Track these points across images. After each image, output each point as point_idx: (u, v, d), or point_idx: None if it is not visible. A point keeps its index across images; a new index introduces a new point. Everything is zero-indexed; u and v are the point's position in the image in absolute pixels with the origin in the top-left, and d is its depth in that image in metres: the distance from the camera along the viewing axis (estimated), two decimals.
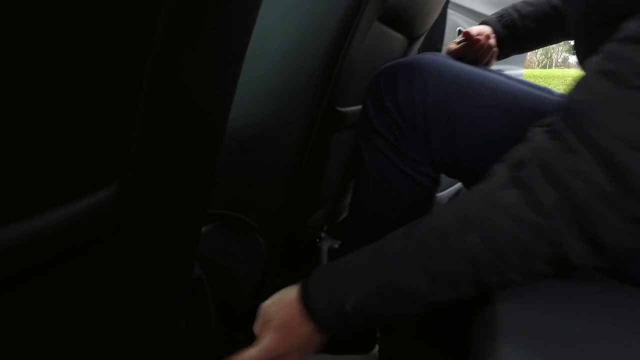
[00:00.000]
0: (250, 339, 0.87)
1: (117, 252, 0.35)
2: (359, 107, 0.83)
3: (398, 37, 0.89)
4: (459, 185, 1.56)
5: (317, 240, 1.26)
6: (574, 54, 0.66)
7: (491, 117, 0.64)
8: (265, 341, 0.56)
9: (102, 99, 0.27)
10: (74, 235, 0.30)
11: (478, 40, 0.82)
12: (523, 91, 0.67)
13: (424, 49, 1.31)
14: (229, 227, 0.73)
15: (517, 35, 0.90)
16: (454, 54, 0.85)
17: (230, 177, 0.68)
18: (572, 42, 0.68)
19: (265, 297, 0.81)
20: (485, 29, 0.86)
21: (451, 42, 0.88)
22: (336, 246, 1.28)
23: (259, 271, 0.74)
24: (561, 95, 0.70)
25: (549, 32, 0.91)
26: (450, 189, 1.55)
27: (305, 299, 0.54)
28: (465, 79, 0.67)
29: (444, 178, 0.75)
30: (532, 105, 0.64)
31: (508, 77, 0.72)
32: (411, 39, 0.96)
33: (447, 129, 0.66)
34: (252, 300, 0.78)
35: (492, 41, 0.86)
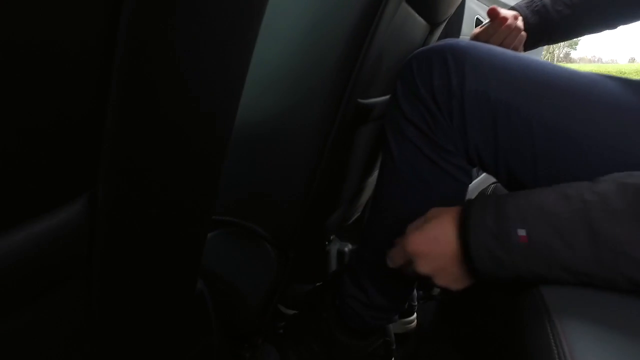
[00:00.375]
0: (256, 356, 0.80)
1: (91, 283, 0.26)
2: (381, 98, 0.75)
3: (421, 23, 0.80)
4: (484, 175, 1.47)
5: (326, 243, 1.18)
6: (575, 49, 0.58)
7: (545, 107, 0.56)
8: (412, 231, 0.55)
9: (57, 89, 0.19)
10: (29, 269, 0.22)
11: (505, 20, 0.75)
12: (590, 78, 0.58)
13: (443, 37, 1.23)
14: (234, 235, 0.64)
15: (548, 22, 0.84)
16: (478, 38, 0.79)
17: (237, 180, 0.60)
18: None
19: (276, 308, 0.74)
20: (513, 12, 0.79)
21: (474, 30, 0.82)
22: (346, 249, 1.21)
23: (266, 283, 0.66)
24: None
25: (585, 19, 0.84)
26: (477, 180, 1.46)
27: (464, 226, 0.49)
28: (509, 63, 0.59)
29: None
30: (608, 96, 0.55)
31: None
32: (432, 25, 0.87)
33: (488, 118, 0.58)
34: (259, 315, 0.70)
35: (520, 24, 0.79)
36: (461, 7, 1.32)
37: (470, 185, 0.68)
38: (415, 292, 1.12)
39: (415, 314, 1.03)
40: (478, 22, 1.42)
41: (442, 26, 1.00)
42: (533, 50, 0.91)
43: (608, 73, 0.62)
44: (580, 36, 0.93)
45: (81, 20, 0.19)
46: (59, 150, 0.21)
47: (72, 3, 0.18)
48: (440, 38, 1.22)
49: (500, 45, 0.76)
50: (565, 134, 0.55)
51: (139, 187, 0.25)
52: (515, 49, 0.81)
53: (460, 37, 1.33)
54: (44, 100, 0.19)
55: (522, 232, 0.44)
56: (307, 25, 0.55)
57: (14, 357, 0.24)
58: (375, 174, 0.86)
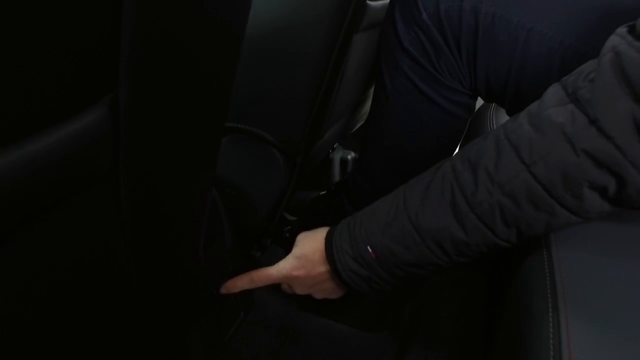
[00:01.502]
0: (265, 255, 0.85)
1: (119, 180, 0.28)
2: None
3: None
4: None
5: (330, 150, 1.20)
6: None
7: (574, 29, 0.51)
8: (283, 264, 0.56)
9: None
10: (58, 169, 0.23)
11: None
12: None
13: None
14: (243, 142, 0.65)
15: None
16: None
17: (246, 88, 0.59)
18: None
19: (282, 214, 0.77)
20: None
21: None
22: (349, 157, 1.23)
23: (275, 189, 0.69)
24: None
25: None
26: None
27: (329, 239, 0.53)
28: None
29: None
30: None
31: None
32: None
33: (507, 46, 0.53)
34: (267, 220, 0.74)
35: None
36: None
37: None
38: None
39: None
40: None
41: None
42: None
43: None
44: None
45: None
46: (81, 52, 0.21)
47: None
48: None
49: None
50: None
51: (157, 88, 0.26)
52: None
53: None
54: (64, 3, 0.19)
55: (369, 250, 0.48)
56: None
57: (54, 256, 0.27)
58: None
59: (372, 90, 0.99)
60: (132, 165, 0.27)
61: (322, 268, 0.54)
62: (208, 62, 0.30)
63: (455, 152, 0.50)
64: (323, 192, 0.93)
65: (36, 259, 0.25)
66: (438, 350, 0.72)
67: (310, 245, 0.55)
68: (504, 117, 0.94)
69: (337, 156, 1.23)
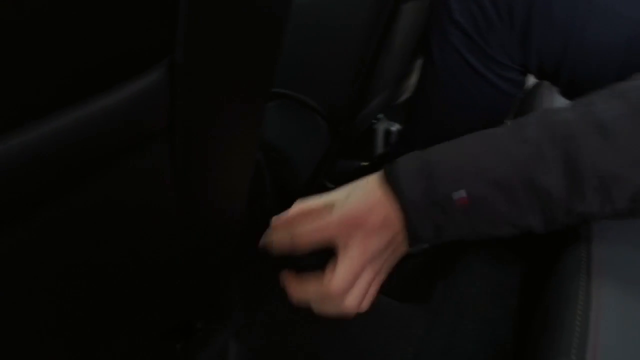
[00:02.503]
0: None
1: (175, 141, 0.31)
2: None
3: None
4: None
5: (374, 121, 1.20)
6: None
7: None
8: (349, 254, 0.40)
9: None
10: (125, 123, 0.26)
11: None
12: None
13: None
14: (288, 107, 0.67)
15: None
16: None
17: (292, 54, 0.61)
18: None
19: (322, 181, 0.79)
20: None
21: None
22: (393, 129, 1.22)
23: (317, 155, 0.71)
24: None
25: None
26: None
27: (394, 185, 0.40)
28: None
29: None
30: None
31: None
32: None
33: (565, 19, 0.51)
34: (309, 183, 0.76)
35: None
36: None
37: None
38: None
39: None
40: None
41: None
42: None
43: None
44: None
45: None
46: (141, 16, 0.24)
47: None
48: None
49: None
50: None
51: (211, 52, 0.28)
52: None
53: None
54: None
55: (460, 194, 0.38)
56: None
57: (107, 212, 0.30)
58: None
59: (419, 62, 0.97)
60: (187, 124, 0.30)
61: (394, 222, 0.40)
62: (258, 27, 0.31)
63: None
64: (365, 163, 0.95)
65: (91, 214, 0.28)
66: (466, 325, 0.73)
67: (361, 202, 0.41)
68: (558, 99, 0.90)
69: (381, 127, 1.23)
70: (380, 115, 1.21)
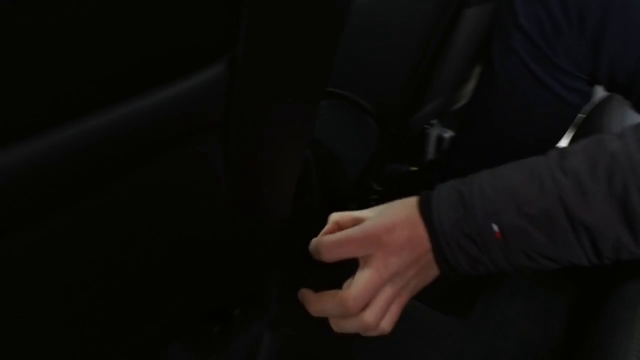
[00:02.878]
0: None
1: (229, 132, 0.32)
2: None
3: None
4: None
5: (427, 126, 1.18)
6: None
7: None
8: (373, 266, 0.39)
9: None
10: (185, 113, 0.27)
11: None
12: None
13: None
14: (340, 107, 0.68)
15: None
16: None
17: (346, 54, 0.61)
18: None
19: (370, 183, 0.79)
20: None
21: None
22: (446, 135, 1.20)
23: (366, 156, 0.70)
24: None
25: None
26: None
27: (426, 211, 0.39)
28: None
29: None
30: None
31: None
32: None
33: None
34: (356, 184, 0.76)
35: None
36: None
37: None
38: None
39: None
40: None
41: None
42: None
43: None
44: None
45: None
46: (206, 12, 0.25)
47: None
48: None
49: None
50: None
51: (270, 49, 0.29)
52: None
53: None
54: None
55: (495, 228, 0.36)
56: None
57: (159, 197, 0.31)
58: None
59: (477, 69, 0.95)
60: (242, 118, 0.31)
61: (425, 244, 0.39)
62: (319, 26, 0.32)
63: (560, 143, 0.46)
64: (414, 168, 0.93)
65: (146, 195, 0.30)
66: (505, 344, 0.71)
67: (397, 209, 0.41)
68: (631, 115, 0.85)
69: (433, 133, 1.21)
70: (434, 121, 1.19)
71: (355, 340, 0.71)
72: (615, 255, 0.35)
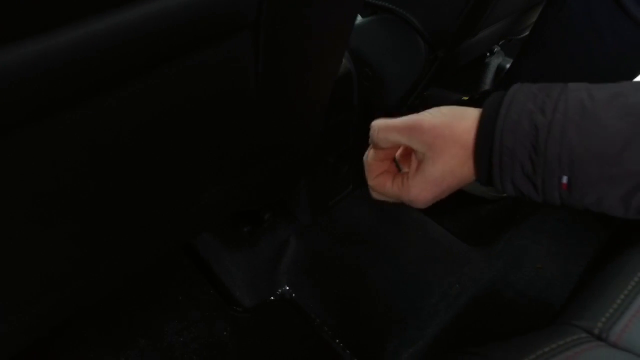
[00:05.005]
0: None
1: (258, 36, 0.32)
2: None
3: None
4: None
5: (487, 54, 1.12)
6: None
7: None
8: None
9: None
10: (213, 12, 0.28)
11: None
12: None
13: None
14: (390, 23, 0.65)
15: None
16: None
17: None
18: None
19: (414, 104, 0.77)
20: None
21: None
22: (507, 65, 1.13)
23: (413, 76, 0.69)
24: None
25: None
26: None
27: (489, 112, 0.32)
28: None
29: None
30: None
31: None
32: None
33: None
34: (398, 105, 0.75)
35: None
36: None
37: None
38: None
39: None
40: None
41: None
42: None
43: None
44: None
45: None
46: None
47: None
48: None
49: None
50: None
51: None
52: None
53: None
54: None
55: (564, 180, 0.30)
56: None
57: (209, 77, 0.32)
58: None
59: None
60: (272, 20, 0.31)
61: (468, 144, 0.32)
62: None
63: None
64: (465, 97, 0.90)
65: (180, 89, 0.31)
66: (519, 277, 0.72)
67: (451, 117, 0.34)
68: None
69: (494, 62, 1.14)
70: (497, 48, 1.12)
71: (374, 259, 0.74)
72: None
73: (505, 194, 0.80)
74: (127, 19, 0.23)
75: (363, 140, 0.53)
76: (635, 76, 0.59)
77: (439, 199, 0.36)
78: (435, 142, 0.33)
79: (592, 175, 0.29)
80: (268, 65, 0.35)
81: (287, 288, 0.71)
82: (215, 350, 0.66)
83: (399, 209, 0.81)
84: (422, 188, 0.34)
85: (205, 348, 0.66)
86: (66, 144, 0.26)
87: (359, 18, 0.70)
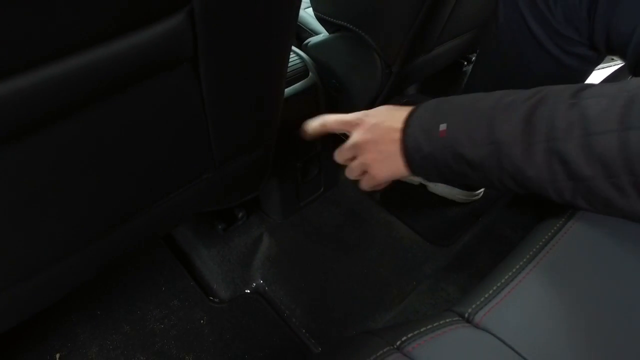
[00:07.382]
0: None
1: (198, 67, 0.38)
2: None
3: None
4: None
5: (465, 63, 1.17)
6: None
7: None
8: (354, 135, 0.55)
9: None
10: (155, 53, 0.34)
11: None
12: None
13: None
14: (350, 40, 0.71)
15: None
16: None
17: None
18: None
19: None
20: None
21: None
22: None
23: (372, 89, 0.75)
24: None
25: None
26: None
27: (408, 117, 0.49)
28: None
29: None
30: None
31: None
32: None
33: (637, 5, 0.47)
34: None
35: None
36: None
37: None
38: None
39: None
40: None
41: None
42: None
43: None
44: None
45: None
46: None
47: None
48: None
49: None
50: None
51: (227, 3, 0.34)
52: None
53: None
54: None
55: (443, 127, 0.45)
56: None
57: (151, 112, 0.39)
58: None
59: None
60: (208, 53, 0.37)
61: (393, 134, 0.50)
62: None
63: None
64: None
65: (134, 111, 0.37)
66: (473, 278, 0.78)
67: (384, 115, 0.52)
68: None
69: (469, 70, 1.19)
70: (474, 58, 1.17)
71: (340, 257, 0.80)
72: (516, 182, 0.42)
73: (475, 198, 0.90)
74: (79, 64, 0.29)
75: (331, 146, 0.60)
76: None
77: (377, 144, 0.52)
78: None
79: (459, 122, 0.44)
80: (211, 90, 0.41)
81: (261, 282, 0.78)
82: (192, 336, 0.72)
83: (368, 210, 0.87)
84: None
85: (184, 334, 0.73)
86: (32, 162, 0.33)
87: (326, 34, 0.76)
